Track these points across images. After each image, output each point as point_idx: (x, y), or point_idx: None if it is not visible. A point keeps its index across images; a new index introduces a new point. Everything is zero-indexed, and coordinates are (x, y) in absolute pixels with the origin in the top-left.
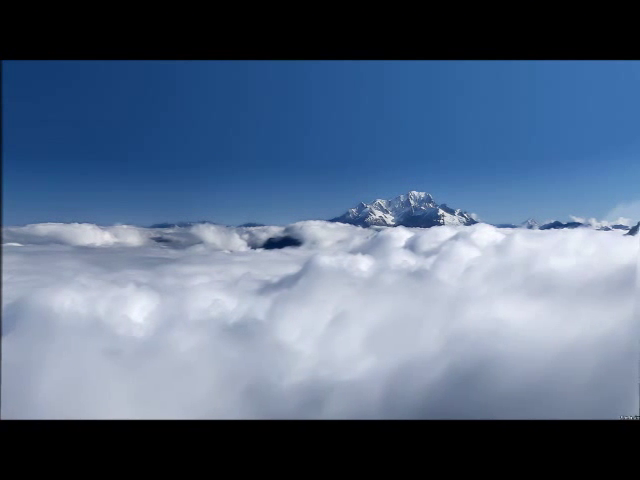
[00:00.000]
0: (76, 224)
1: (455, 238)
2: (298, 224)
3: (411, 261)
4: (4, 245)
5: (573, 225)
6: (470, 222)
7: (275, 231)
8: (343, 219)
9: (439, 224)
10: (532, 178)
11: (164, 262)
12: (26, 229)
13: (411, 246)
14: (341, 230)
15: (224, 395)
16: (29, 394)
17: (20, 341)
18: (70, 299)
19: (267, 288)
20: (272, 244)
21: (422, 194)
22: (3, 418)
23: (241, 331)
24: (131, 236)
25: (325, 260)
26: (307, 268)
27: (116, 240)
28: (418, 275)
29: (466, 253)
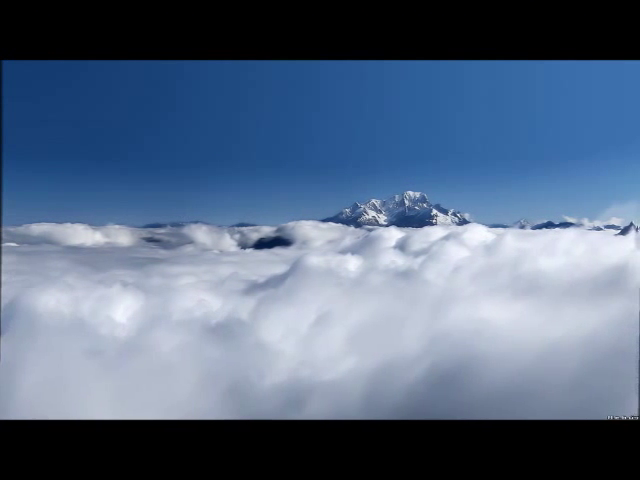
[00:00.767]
0: (68, 224)
1: (446, 238)
2: (290, 224)
3: (399, 261)
4: (3, 245)
5: (565, 225)
6: (462, 222)
7: (267, 231)
8: (336, 219)
9: (432, 224)
10: (527, 178)
11: (153, 262)
12: (22, 229)
13: (401, 246)
14: (333, 230)
15: (204, 395)
16: (8, 394)
17: (5, 341)
18: (55, 299)
19: (253, 288)
20: (262, 244)
21: (417, 194)
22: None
23: (224, 331)
24: (122, 236)
25: (313, 260)
26: (294, 268)
27: (107, 240)
28: (405, 275)
29: (455, 253)
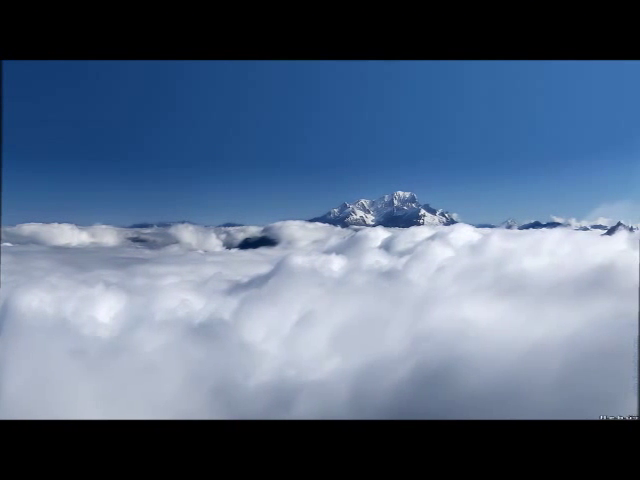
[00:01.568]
0: (55, 224)
1: (431, 238)
2: (277, 224)
3: (384, 261)
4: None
5: (552, 225)
6: (450, 222)
7: (253, 231)
8: (323, 219)
9: (419, 224)
10: (517, 178)
11: (137, 262)
12: (15, 229)
13: (386, 246)
14: (319, 230)
15: (189, 395)
16: None
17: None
18: (38, 299)
19: (236, 288)
20: (248, 244)
21: (407, 194)
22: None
23: (207, 331)
24: (108, 236)
25: (297, 260)
26: (278, 268)
27: (92, 240)
28: (389, 275)
29: (440, 253)
